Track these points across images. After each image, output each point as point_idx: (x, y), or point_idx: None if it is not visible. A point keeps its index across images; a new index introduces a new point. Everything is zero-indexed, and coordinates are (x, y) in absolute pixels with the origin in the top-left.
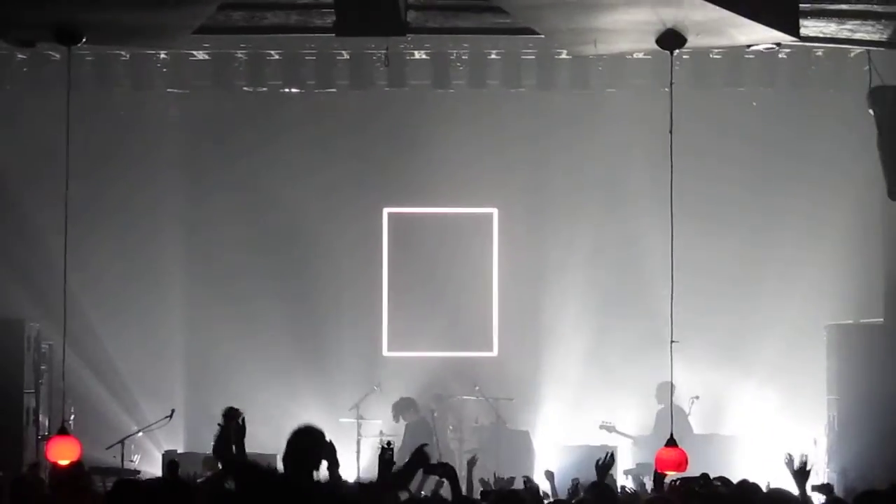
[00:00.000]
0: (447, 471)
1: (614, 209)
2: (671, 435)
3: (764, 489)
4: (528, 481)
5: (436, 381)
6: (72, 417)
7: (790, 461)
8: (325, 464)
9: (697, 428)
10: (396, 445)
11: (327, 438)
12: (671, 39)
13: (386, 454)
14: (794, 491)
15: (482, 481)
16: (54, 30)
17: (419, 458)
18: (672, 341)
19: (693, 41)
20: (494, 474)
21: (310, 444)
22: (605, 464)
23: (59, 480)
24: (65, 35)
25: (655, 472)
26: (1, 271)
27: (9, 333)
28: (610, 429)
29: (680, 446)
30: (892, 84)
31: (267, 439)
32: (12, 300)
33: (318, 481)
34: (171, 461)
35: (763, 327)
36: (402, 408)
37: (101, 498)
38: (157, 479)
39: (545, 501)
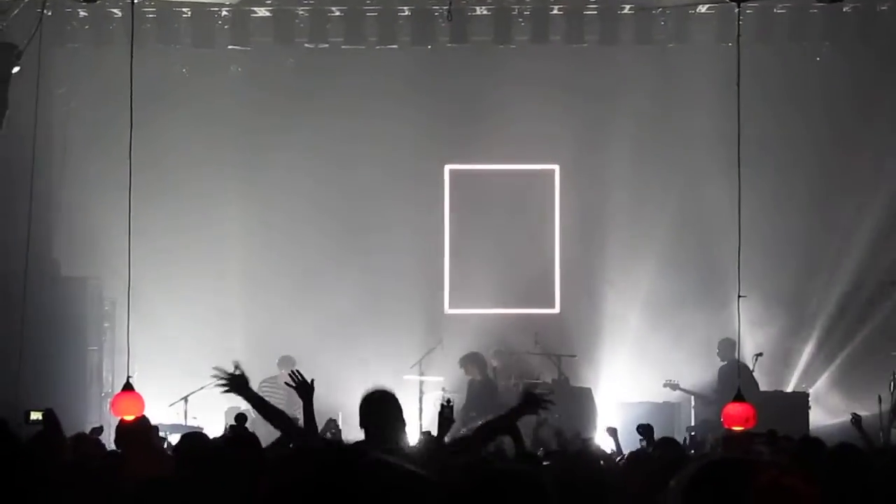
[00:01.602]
0: (510, 427)
1: (677, 165)
2: (738, 390)
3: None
4: (586, 440)
5: (498, 338)
6: (135, 374)
7: (857, 420)
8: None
9: (762, 385)
10: (458, 403)
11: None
12: None
13: (445, 411)
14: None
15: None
16: None
17: (528, 401)
18: (739, 296)
19: None
20: (560, 433)
21: (394, 409)
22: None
23: (125, 435)
24: None
25: (725, 431)
26: (65, 229)
27: (72, 291)
28: (674, 387)
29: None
30: None
31: (329, 397)
32: (75, 258)
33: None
34: (239, 413)
35: (828, 283)
36: (469, 361)
37: (165, 453)
38: (226, 433)
39: (616, 458)
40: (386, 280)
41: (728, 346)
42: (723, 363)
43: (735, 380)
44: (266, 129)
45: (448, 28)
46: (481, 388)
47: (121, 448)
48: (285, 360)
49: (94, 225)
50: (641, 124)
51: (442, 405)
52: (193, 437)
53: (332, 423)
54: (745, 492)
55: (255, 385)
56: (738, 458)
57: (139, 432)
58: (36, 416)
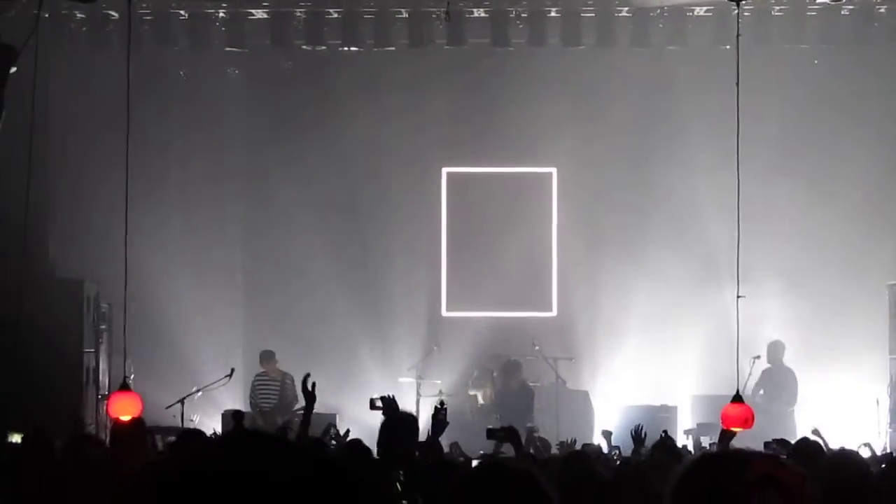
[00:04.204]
0: (510, 433)
1: (674, 167)
2: (737, 391)
3: (825, 449)
4: (586, 445)
5: (495, 342)
6: (132, 376)
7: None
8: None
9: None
10: (452, 406)
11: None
12: None
13: (439, 414)
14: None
15: (542, 441)
16: None
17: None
18: (738, 296)
19: None
20: (568, 441)
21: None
22: (638, 438)
23: (120, 435)
24: None
25: (722, 430)
26: (61, 232)
27: (68, 294)
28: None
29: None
30: None
31: (328, 400)
32: (71, 260)
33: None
34: (236, 411)
35: (825, 285)
36: (513, 367)
37: (160, 455)
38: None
39: (613, 458)
40: (383, 282)
41: (777, 349)
42: (769, 365)
43: (784, 381)
44: (263, 130)
45: (445, 30)
46: (520, 392)
47: (115, 449)
48: (267, 355)
49: (90, 227)
50: (639, 126)
51: (436, 407)
52: (192, 435)
53: (330, 427)
54: (737, 483)
55: (248, 381)
56: (733, 451)
57: (135, 432)
58: (16, 438)
